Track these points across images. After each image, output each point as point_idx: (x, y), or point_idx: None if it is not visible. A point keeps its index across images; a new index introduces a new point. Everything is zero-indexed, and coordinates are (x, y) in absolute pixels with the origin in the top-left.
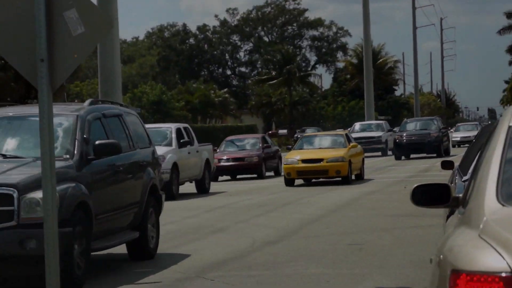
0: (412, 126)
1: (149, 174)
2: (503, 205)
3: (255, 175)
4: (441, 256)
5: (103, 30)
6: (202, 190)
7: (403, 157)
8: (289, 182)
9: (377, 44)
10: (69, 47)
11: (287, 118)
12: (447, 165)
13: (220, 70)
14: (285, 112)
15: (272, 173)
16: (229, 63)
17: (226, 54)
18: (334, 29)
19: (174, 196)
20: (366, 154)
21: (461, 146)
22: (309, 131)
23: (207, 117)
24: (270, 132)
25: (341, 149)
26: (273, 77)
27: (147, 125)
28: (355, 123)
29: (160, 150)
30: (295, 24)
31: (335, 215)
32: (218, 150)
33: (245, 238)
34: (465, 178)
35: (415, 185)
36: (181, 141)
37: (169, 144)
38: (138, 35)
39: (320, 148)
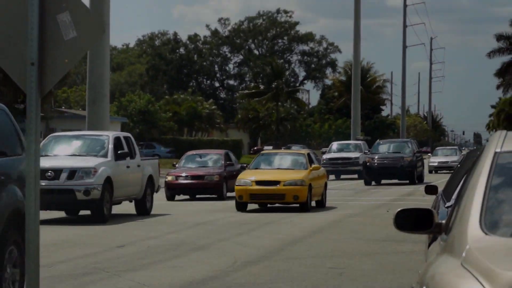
0: (384, 148)
1: (12, 195)
2: (486, 234)
3: (215, 196)
4: (423, 284)
5: (95, 35)
6: (142, 211)
7: (373, 183)
8: (241, 207)
9: (366, 62)
10: (60, 51)
11: (274, 134)
12: (431, 190)
13: (209, 81)
14: (272, 128)
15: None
16: (218, 75)
17: (216, 66)
18: (325, 45)
19: (104, 217)
20: (342, 176)
21: (439, 172)
22: (295, 149)
23: (193, 129)
24: (255, 148)
25: (301, 171)
26: (261, 91)
27: (83, 132)
28: (332, 143)
29: (92, 161)
30: (285, 38)
31: (318, 236)
32: (177, 166)
33: (226, 257)
34: (448, 204)
35: (399, 210)
36: (119, 152)
37: (105, 155)
38: (129, 42)
39: (278, 168)
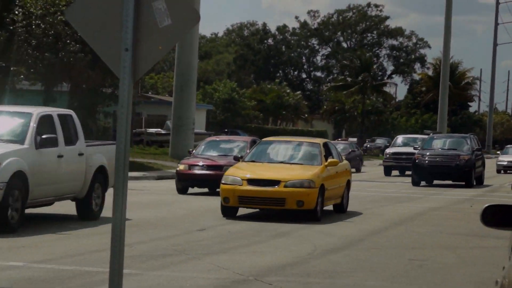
0: (439, 144)
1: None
2: None
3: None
4: (508, 279)
5: (189, 23)
6: (85, 213)
7: (422, 182)
8: (228, 212)
9: (456, 58)
10: (154, 38)
11: (359, 127)
12: None
13: (296, 73)
14: (357, 120)
15: None
16: (305, 66)
17: (303, 57)
18: (414, 40)
19: (10, 226)
20: (407, 172)
21: (508, 171)
22: (380, 142)
23: (278, 119)
24: (339, 139)
25: (312, 167)
26: (348, 84)
27: (3, 107)
28: (397, 136)
29: None
30: (375, 32)
31: (399, 228)
32: (193, 153)
33: (306, 244)
34: None
35: (486, 205)
36: (44, 137)
37: (21, 141)
38: (218, 31)
39: (282, 162)
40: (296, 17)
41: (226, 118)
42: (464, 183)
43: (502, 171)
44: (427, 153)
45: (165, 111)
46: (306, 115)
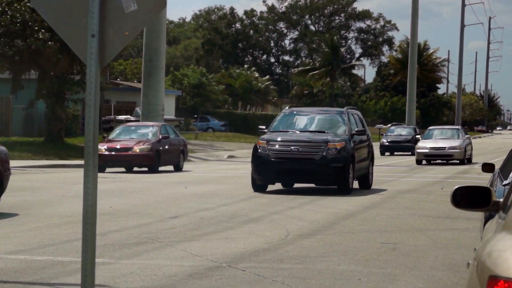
0: (300, 123)
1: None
2: None
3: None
4: (479, 261)
5: (155, 9)
6: None
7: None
8: None
9: (423, 40)
10: (121, 24)
11: None
12: (487, 168)
13: (264, 57)
14: (326, 104)
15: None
16: (273, 50)
17: (271, 41)
18: (382, 22)
19: None
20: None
21: (432, 162)
22: None
23: (247, 103)
24: None
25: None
26: (316, 67)
27: None
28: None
29: None
30: (342, 15)
31: (371, 212)
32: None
33: (278, 230)
34: (506, 182)
35: (456, 187)
36: None
37: None
38: (185, 16)
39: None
40: (264, 1)
41: (195, 104)
42: (336, 187)
43: (423, 161)
44: (278, 139)
45: (134, 97)
46: (275, 99)
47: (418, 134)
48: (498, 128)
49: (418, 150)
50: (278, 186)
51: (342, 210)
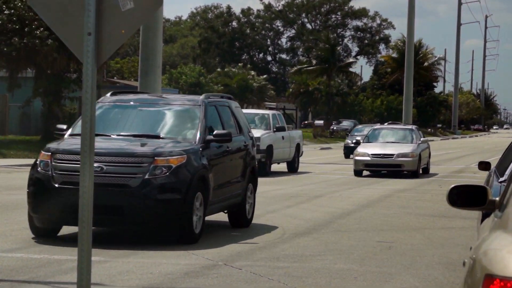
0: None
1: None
2: None
3: None
4: (475, 260)
5: (152, 7)
6: None
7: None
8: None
9: (420, 39)
10: (117, 22)
11: (324, 109)
12: (483, 166)
13: (261, 55)
14: (323, 103)
15: None
16: (270, 49)
17: (268, 40)
18: (378, 21)
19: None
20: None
21: (375, 170)
22: (346, 124)
23: (244, 102)
24: (305, 122)
25: None
26: (313, 66)
27: None
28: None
29: None
30: (339, 13)
31: (367, 211)
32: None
33: (274, 229)
34: (502, 179)
35: (452, 186)
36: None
37: None
38: (182, 14)
39: None
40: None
41: None
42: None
43: (362, 172)
44: (71, 148)
45: None
46: (271, 99)
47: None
48: (494, 127)
49: (357, 158)
50: (277, 184)
51: (338, 209)
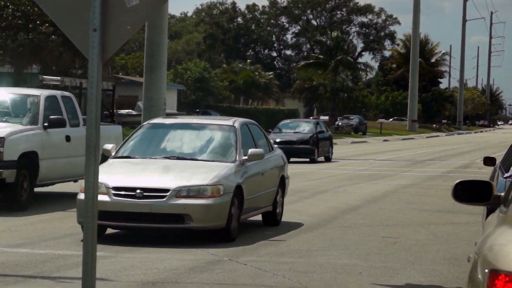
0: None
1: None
2: None
3: None
4: (480, 255)
5: (157, 3)
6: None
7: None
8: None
9: (426, 35)
10: (122, 18)
11: (329, 104)
12: (488, 162)
13: (266, 51)
14: (327, 98)
15: None
16: (275, 45)
17: (273, 36)
18: (383, 17)
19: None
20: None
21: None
22: (353, 119)
23: (249, 98)
24: (311, 117)
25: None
26: (320, 62)
27: None
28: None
29: None
30: (344, 9)
31: (372, 206)
32: None
33: (279, 224)
34: (507, 174)
35: (457, 181)
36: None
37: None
38: (187, 10)
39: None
40: None
41: (197, 98)
42: None
43: None
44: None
45: (136, 92)
46: (277, 94)
47: (322, 132)
48: (499, 123)
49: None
50: None
51: (343, 204)
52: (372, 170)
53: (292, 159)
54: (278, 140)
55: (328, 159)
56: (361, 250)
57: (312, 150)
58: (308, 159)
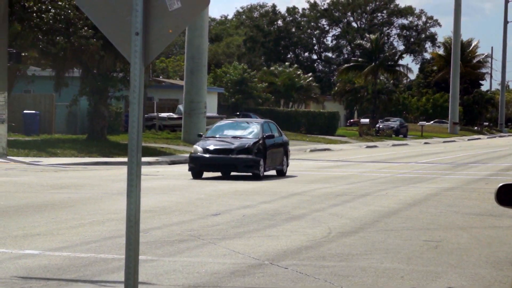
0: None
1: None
2: None
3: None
4: None
5: (199, 6)
6: None
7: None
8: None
9: (466, 37)
10: (164, 22)
11: (370, 107)
12: None
13: (306, 54)
14: (366, 100)
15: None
16: (315, 47)
17: (313, 38)
18: (424, 19)
19: None
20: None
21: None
22: (394, 122)
23: (290, 101)
24: (351, 120)
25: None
26: (360, 64)
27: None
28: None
29: None
30: (384, 12)
31: (413, 209)
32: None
33: (321, 228)
34: None
35: (501, 184)
36: None
37: None
38: (227, 13)
39: None
40: None
41: (237, 101)
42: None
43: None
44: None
45: (176, 95)
46: (317, 96)
47: (272, 136)
48: None
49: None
50: (321, 182)
51: (385, 207)
52: (413, 173)
53: (232, 174)
54: (211, 148)
55: (281, 173)
56: (403, 253)
57: (255, 161)
58: (250, 174)
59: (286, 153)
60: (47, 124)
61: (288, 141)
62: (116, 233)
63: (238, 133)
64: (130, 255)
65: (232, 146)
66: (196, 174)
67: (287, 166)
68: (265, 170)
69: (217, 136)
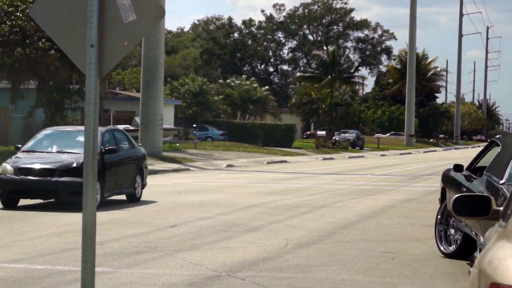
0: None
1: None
2: None
3: None
4: (480, 269)
5: (154, 18)
6: None
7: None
8: None
9: (421, 50)
10: (120, 34)
11: (326, 119)
12: (458, 169)
13: (263, 66)
14: (325, 113)
15: None
16: (271, 60)
17: (270, 51)
18: (379, 32)
19: None
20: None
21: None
22: (350, 134)
23: (246, 113)
24: (308, 132)
25: None
26: (316, 75)
27: None
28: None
29: None
30: (340, 24)
31: (370, 221)
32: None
33: (278, 239)
34: (502, 181)
35: (457, 196)
36: None
37: None
38: (184, 26)
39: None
40: (262, 11)
41: (194, 113)
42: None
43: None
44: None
45: (133, 107)
46: (274, 109)
47: (114, 150)
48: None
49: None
50: (281, 193)
51: (342, 219)
52: (369, 185)
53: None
54: (25, 167)
55: (133, 199)
56: (360, 265)
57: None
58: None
59: (141, 171)
60: (2, 136)
61: (145, 154)
62: (72, 245)
63: (68, 145)
64: (87, 267)
65: (55, 165)
66: (8, 201)
67: (143, 188)
68: (103, 197)
69: (37, 150)
